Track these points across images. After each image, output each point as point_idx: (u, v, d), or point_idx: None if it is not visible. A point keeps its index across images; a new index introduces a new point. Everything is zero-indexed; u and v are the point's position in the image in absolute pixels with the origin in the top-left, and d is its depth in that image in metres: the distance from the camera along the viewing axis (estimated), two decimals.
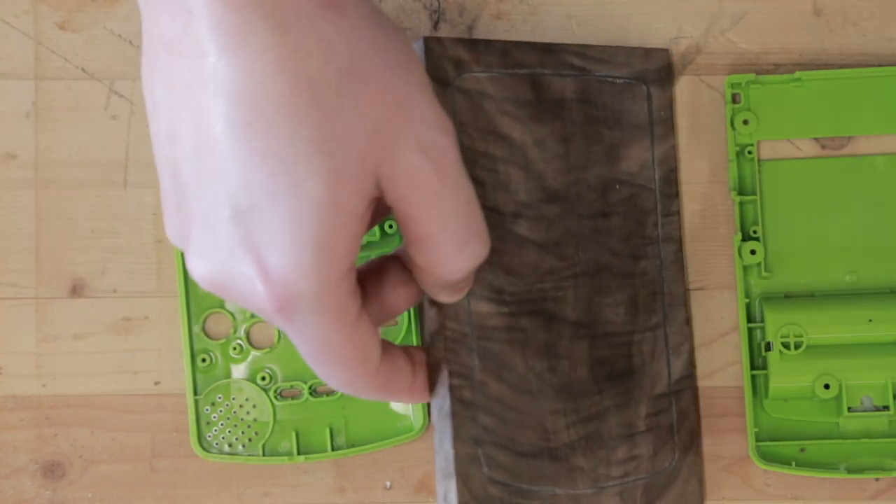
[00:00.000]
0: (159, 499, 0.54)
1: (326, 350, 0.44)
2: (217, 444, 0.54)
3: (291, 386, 0.54)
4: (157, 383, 0.55)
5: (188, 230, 0.42)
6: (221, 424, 0.54)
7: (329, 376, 0.44)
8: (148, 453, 0.54)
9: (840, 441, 0.52)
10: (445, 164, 0.42)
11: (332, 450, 0.54)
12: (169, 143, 0.42)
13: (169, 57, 0.41)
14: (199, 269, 0.42)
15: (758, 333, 0.53)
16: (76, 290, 0.55)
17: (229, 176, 0.41)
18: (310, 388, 0.54)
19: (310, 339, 0.43)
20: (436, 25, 0.55)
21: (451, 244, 0.44)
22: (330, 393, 0.54)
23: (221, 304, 0.54)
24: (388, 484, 0.54)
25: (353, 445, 0.54)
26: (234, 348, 0.54)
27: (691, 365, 0.53)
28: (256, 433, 0.54)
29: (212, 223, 0.42)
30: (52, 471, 0.54)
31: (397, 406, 0.54)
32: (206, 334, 0.54)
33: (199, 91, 0.41)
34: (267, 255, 0.41)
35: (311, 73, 0.41)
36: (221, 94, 0.40)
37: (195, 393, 0.54)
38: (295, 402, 0.54)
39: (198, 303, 0.54)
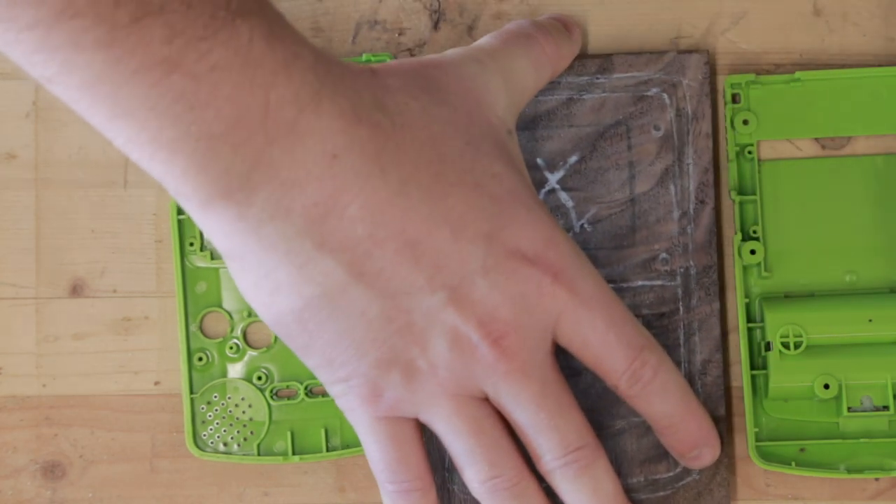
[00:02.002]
0: (159, 499, 0.54)
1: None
2: (212, 443, 0.54)
3: (287, 386, 0.54)
4: (157, 383, 0.55)
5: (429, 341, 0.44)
6: (217, 423, 0.54)
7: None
8: (148, 453, 0.54)
9: (840, 441, 0.52)
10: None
11: (328, 450, 0.54)
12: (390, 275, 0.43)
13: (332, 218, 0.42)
14: (481, 329, 0.44)
15: (758, 333, 0.53)
16: (76, 290, 0.55)
17: (458, 225, 0.44)
18: (306, 388, 0.54)
19: (596, 295, 0.46)
20: (436, 25, 0.55)
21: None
22: (325, 394, 0.54)
23: (219, 304, 0.54)
24: None
25: (348, 446, 0.54)
26: (231, 347, 0.54)
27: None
28: (252, 433, 0.54)
29: (471, 282, 0.44)
30: (52, 471, 0.54)
31: None
32: (203, 333, 0.54)
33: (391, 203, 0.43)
34: (528, 248, 0.45)
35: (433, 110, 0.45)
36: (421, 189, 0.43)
37: (191, 391, 0.54)
38: (291, 402, 0.54)
39: (195, 301, 0.54)
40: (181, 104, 0.38)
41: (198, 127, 0.38)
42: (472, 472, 0.46)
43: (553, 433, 0.46)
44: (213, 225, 0.42)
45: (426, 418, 0.46)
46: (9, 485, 0.54)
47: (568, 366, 0.51)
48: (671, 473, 0.52)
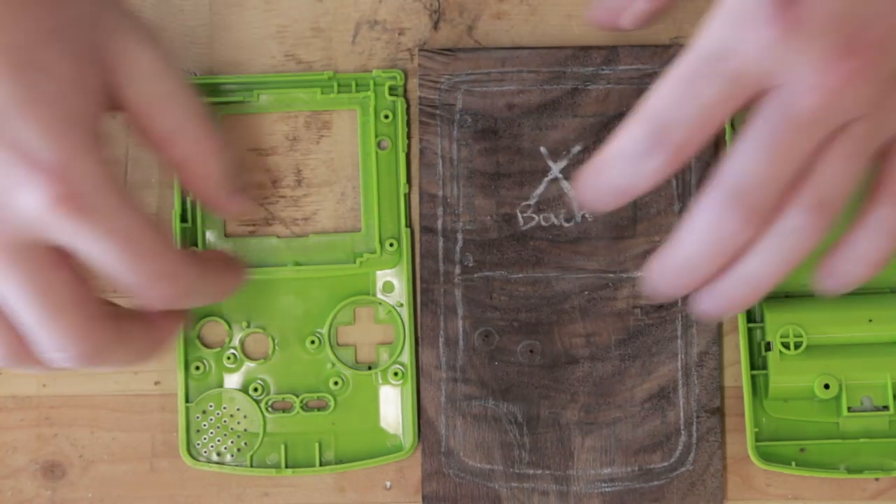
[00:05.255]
0: (159, 499, 0.54)
1: (139, 237, 0.44)
2: (206, 452, 0.54)
3: (283, 398, 0.54)
4: (157, 383, 0.55)
5: None
6: (211, 433, 0.54)
7: (152, 272, 0.44)
8: (148, 453, 0.54)
9: (840, 441, 0.52)
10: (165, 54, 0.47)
11: (321, 465, 0.53)
12: None
13: None
14: None
15: (758, 333, 0.53)
16: None
17: None
18: (301, 401, 0.54)
19: (115, 229, 0.43)
20: (436, 25, 0.55)
21: (189, 129, 0.48)
22: (321, 408, 0.54)
23: (217, 312, 0.54)
24: (388, 484, 0.54)
25: (340, 461, 0.53)
26: (229, 357, 0.54)
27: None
28: (245, 444, 0.54)
29: None
30: (52, 471, 0.54)
31: (387, 425, 0.54)
32: (201, 342, 0.54)
33: None
34: (35, 146, 0.42)
35: None
36: None
37: (187, 400, 0.54)
38: (286, 414, 0.54)
39: (194, 309, 0.54)
40: None
41: None
42: None
43: (40, 331, 0.44)
44: None
45: None
46: (9, 485, 0.54)
47: (565, 353, 0.53)
48: (666, 463, 0.52)
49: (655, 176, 0.44)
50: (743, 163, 0.43)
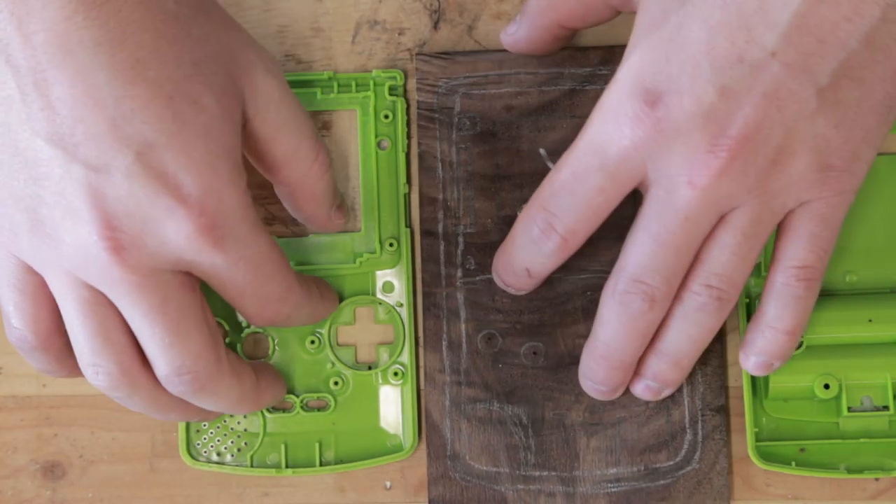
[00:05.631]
0: (159, 499, 0.54)
1: (264, 263, 0.46)
2: (206, 452, 0.54)
3: (283, 399, 0.54)
4: None
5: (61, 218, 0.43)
6: (211, 433, 0.54)
7: (268, 294, 0.47)
8: (148, 453, 0.54)
9: (840, 441, 0.52)
10: (287, 86, 0.48)
11: (321, 465, 0.53)
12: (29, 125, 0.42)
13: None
14: (106, 231, 0.43)
15: None
16: None
17: (126, 117, 0.42)
18: (301, 401, 0.54)
19: (246, 256, 0.45)
20: (436, 25, 0.55)
21: (305, 150, 0.49)
22: (321, 408, 0.54)
23: (217, 313, 0.54)
24: (388, 484, 0.54)
25: (341, 461, 0.53)
26: None
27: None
28: (246, 444, 0.54)
29: (111, 176, 0.42)
30: (52, 471, 0.54)
31: (387, 425, 0.54)
32: None
33: (65, 55, 0.42)
34: (183, 179, 0.43)
35: (171, 10, 0.43)
36: (100, 43, 0.42)
37: None
38: (286, 415, 0.54)
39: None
40: None
41: None
42: (77, 353, 0.46)
43: (167, 351, 0.45)
44: None
45: (46, 281, 0.45)
46: (9, 485, 0.54)
47: (569, 354, 0.53)
48: (671, 462, 0.52)
49: (556, 256, 0.48)
50: (636, 252, 0.46)
